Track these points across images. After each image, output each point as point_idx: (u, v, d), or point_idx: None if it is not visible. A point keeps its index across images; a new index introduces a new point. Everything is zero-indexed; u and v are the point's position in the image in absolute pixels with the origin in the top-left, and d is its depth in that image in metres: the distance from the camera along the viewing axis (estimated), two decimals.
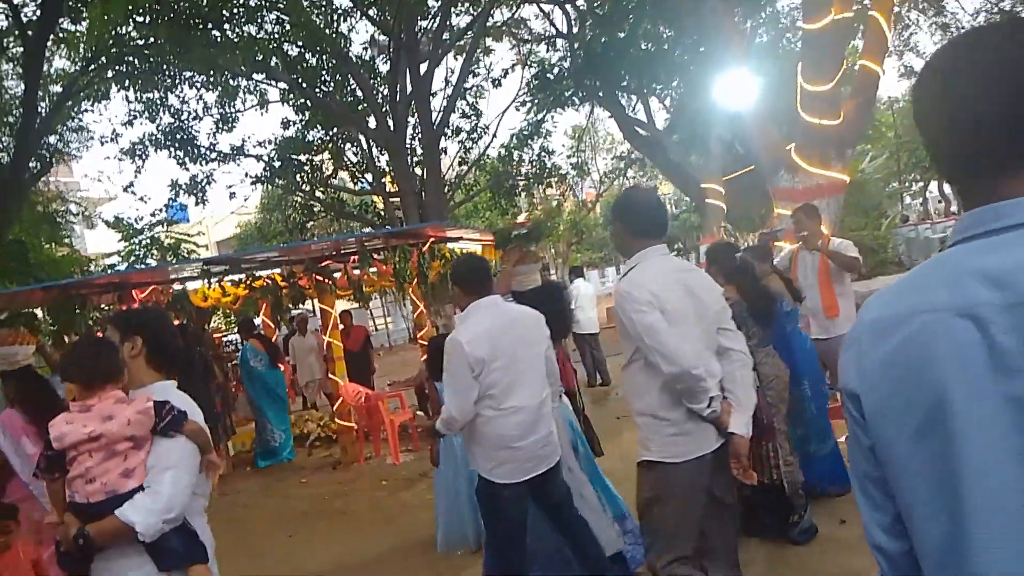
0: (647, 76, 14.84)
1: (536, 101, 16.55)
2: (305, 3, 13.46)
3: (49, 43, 10.54)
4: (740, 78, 8.65)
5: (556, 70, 16.17)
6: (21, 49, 10.46)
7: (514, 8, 16.05)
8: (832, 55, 7.84)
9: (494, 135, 17.12)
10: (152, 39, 12.21)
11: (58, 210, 14.56)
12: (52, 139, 11.99)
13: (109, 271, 13.72)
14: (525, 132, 17.03)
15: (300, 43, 13.88)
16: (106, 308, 9.07)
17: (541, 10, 16.09)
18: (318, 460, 8.83)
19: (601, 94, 15.05)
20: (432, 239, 8.10)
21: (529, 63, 17.31)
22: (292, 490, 7.39)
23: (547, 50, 17.07)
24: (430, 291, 9.10)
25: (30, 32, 9.51)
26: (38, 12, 9.86)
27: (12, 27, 10.89)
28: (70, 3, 10.32)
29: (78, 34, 12.29)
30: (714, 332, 2.81)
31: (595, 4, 14.67)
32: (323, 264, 8.49)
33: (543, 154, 17.64)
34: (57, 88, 12.06)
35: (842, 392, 0.98)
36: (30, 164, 10.70)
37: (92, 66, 12.09)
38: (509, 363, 3.22)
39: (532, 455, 3.27)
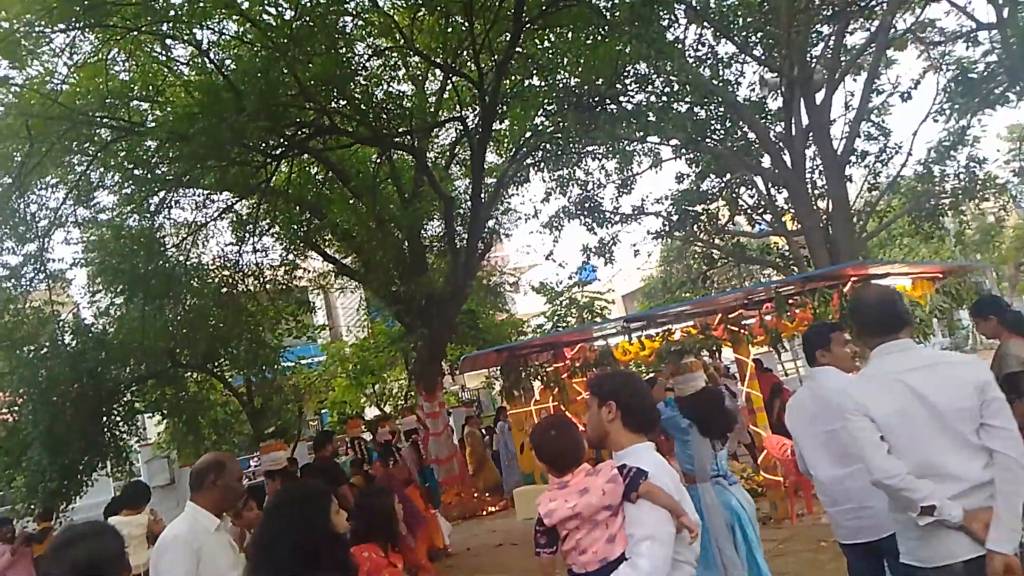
0: None
1: (958, 107, 14.41)
2: (691, 60, 13.95)
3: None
4: None
5: (981, 67, 13.93)
6: (467, 153, 12.71)
7: (919, 11, 14.36)
8: None
9: (909, 153, 15.26)
10: (560, 123, 13.87)
11: (497, 282, 17.13)
12: (491, 223, 14.24)
13: (539, 333, 15.59)
14: (946, 143, 14.90)
15: (688, 99, 14.35)
16: (542, 365, 10.34)
17: (955, 5, 14.09)
18: None
19: None
20: (854, 279, 7.52)
21: (944, 66, 15.21)
22: None
23: (966, 47, 14.80)
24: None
25: (475, 138, 11.55)
26: (478, 119, 11.95)
27: (460, 136, 13.38)
28: (496, 108, 12.29)
29: (504, 132, 14.56)
30: (966, 431, 2.57)
31: None
32: (736, 314, 8.48)
33: (972, 164, 15.20)
34: (491, 179, 14.35)
35: None
36: (478, 246, 12.83)
37: (516, 156, 14.20)
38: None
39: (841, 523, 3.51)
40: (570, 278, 17.39)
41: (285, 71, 9.40)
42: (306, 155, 12.19)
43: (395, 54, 11.91)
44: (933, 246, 20.16)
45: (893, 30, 13.94)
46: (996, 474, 2.52)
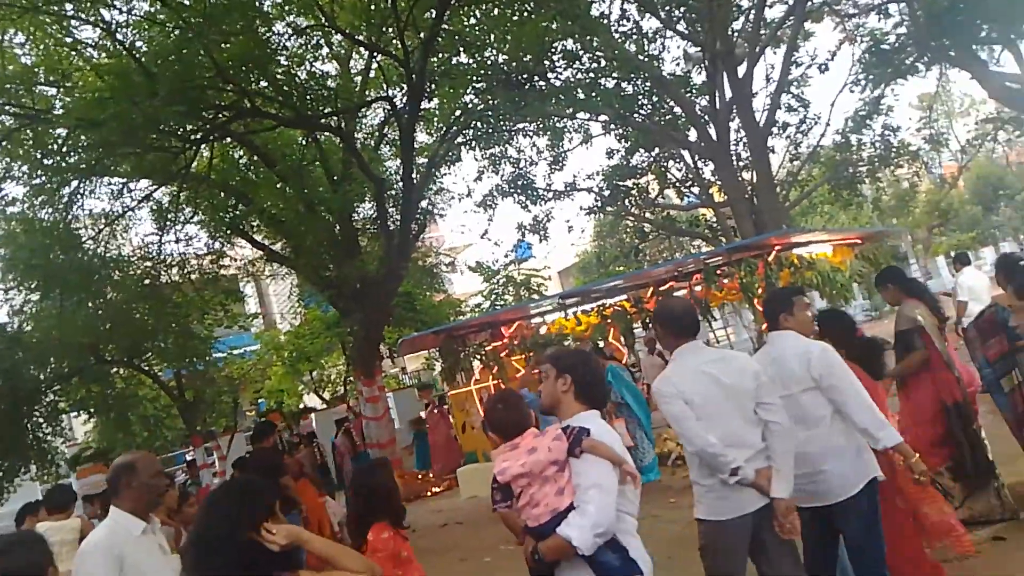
0: (1014, 19, 12.49)
1: (871, 77, 14.96)
2: (616, 35, 14.05)
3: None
4: None
5: (892, 39, 14.48)
6: (396, 133, 12.51)
7: None
8: None
9: (827, 123, 15.81)
10: (490, 101, 13.79)
11: (433, 262, 17.03)
12: (423, 203, 14.08)
13: (478, 312, 15.59)
14: (862, 113, 15.48)
15: (615, 75, 14.46)
16: (480, 345, 10.36)
17: None
18: (682, 480, 8.90)
19: (953, 53, 13.06)
20: (777, 248, 7.77)
21: (858, 38, 15.75)
22: (663, 512, 7.53)
23: (879, 19, 15.35)
24: None
25: (403, 117, 11.36)
26: (406, 99, 11.75)
27: (389, 116, 13.15)
28: (424, 87, 12.11)
29: (433, 111, 14.38)
30: (750, 409, 3.25)
31: None
32: (667, 286, 8.66)
33: (886, 133, 15.86)
34: (422, 159, 14.18)
35: None
36: (412, 227, 12.69)
37: (447, 135, 14.06)
38: None
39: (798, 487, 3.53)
40: (506, 256, 17.44)
41: (201, 52, 9.03)
42: (228, 139, 11.79)
43: (317, 33, 11.58)
44: (852, 213, 20.99)
45: (810, 3, 14.34)
46: (773, 440, 3.23)
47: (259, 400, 20.21)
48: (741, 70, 13.47)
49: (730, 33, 13.55)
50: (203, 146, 11.36)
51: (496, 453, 2.78)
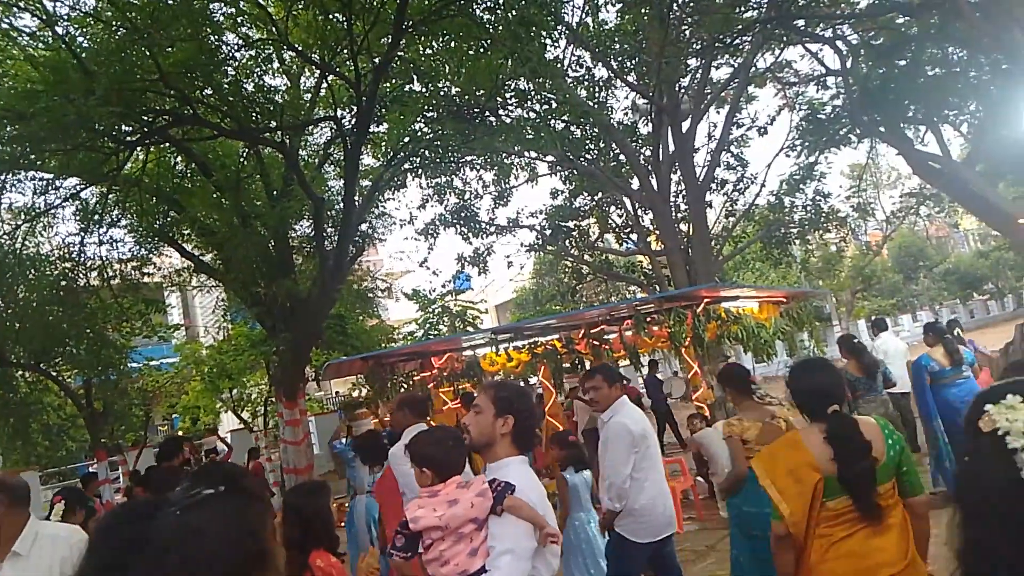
0: (937, 104, 13.31)
1: (807, 144, 15.68)
2: (568, 80, 14.33)
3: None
4: None
5: (828, 109, 15.23)
6: (341, 154, 12.39)
7: (778, 53, 15.51)
8: None
9: (762, 184, 16.43)
10: (439, 131, 13.82)
11: (368, 287, 16.79)
12: (363, 226, 13.91)
13: (410, 340, 15.38)
14: (796, 177, 16.17)
15: (565, 118, 14.73)
16: (409, 374, 10.21)
17: (808, 50, 15.33)
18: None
19: (883, 129, 13.79)
20: (707, 300, 7.95)
21: (797, 106, 16.51)
22: None
23: (817, 90, 16.16)
24: (705, 353, 8.93)
25: (349, 139, 11.26)
26: (354, 121, 11.66)
27: (335, 136, 13.02)
28: (373, 111, 12.04)
29: (381, 135, 14.31)
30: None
31: (870, 37, 13.64)
32: (598, 329, 8.73)
33: (818, 198, 16.57)
34: (366, 182, 14.04)
35: None
36: (349, 249, 12.50)
37: (393, 161, 13.98)
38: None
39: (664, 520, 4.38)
40: (444, 286, 17.37)
41: (145, 54, 8.79)
42: (165, 144, 11.45)
43: (269, 46, 11.43)
44: (782, 271, 21.74)
45: (754, 68, 14.99)
46: None
47: (173, 415, 19.39)
48: (685, 125, 13.93)
49: (677, 89, 14.02)
50: (138, 149, 11.00)
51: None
